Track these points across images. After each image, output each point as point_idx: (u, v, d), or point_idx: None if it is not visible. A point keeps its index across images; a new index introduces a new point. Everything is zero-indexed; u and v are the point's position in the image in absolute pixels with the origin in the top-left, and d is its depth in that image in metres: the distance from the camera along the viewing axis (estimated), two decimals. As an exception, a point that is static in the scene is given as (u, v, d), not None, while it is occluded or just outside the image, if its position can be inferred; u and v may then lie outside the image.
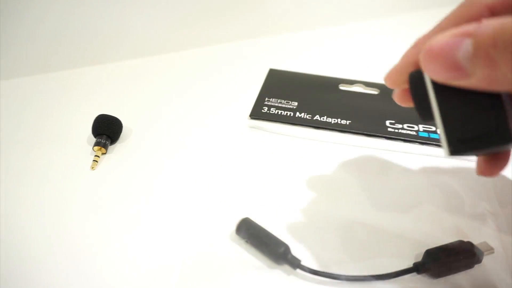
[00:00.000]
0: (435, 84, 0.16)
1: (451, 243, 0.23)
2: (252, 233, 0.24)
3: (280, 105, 0.36)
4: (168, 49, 0.42)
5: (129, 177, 0.30)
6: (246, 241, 0.25)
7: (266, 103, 0.36)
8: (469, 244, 0.23)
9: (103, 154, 0.32)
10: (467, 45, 0.14)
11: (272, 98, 0.36)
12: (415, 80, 0.18)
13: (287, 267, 0.23)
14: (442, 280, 0.23)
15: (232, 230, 0.25)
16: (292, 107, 0.35)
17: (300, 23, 0.48)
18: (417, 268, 0.23)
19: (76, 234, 0.26)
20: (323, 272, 0.23)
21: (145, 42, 0.41)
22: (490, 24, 0.13)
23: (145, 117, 0.36)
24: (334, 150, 0.32)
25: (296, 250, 0.24)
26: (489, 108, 0.14)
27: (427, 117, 0.17)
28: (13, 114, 0.36)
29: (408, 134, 0.32)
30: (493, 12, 0.16)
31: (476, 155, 0.19)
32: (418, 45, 0.19)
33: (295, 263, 0.23)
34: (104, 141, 0.31)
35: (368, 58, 0.44)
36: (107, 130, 0.32)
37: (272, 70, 0.41)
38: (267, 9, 0.45)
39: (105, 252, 0.25)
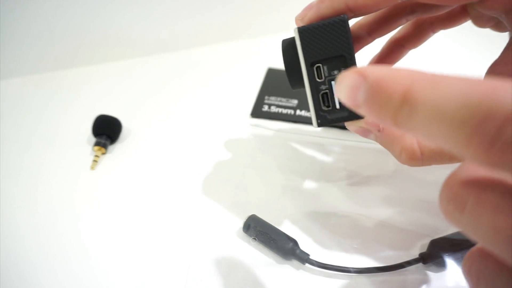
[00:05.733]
0: (307, 61, 0.19)
1: (454, 233, 0.24)
2: (259, 230, 0.24)
3: (280, 103, 0.36)
4: (168, 48, 0.41)
5: (129, 177, 0.29)
6: (254, 238, 0.25)
7: (266, 101, 0.36)
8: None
9: (103, 154, 0.31)
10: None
11: (272, 96, 0.37)
12: (289, 48, 0.20)
13: (296, 262, 0.24)
14: (447, 269, 0.23)
15: (239, 228, 0.25)
16: (292, 105, 0.36)
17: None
18: (423, 258, 0.23)
19: (76, 234, 0.25)
20: (332, 265, 0.23)
21: (144, 42, 0.41)
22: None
23: (145, 117, 0.35)
24: (336, 146, 0.32)
25: (304, 245, 0.24)
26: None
27: (296, 87, 0.20)
28: (13, 114, 0.35)
29: (407, 130, 0.33)
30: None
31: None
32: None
33: (303, 258, 0.23)
34: (104, 141, 0.31)
35: (364, 56, 0.45)
36: (107, 130, 0.32)
37: (270, 69, 0.41)
38: (264, 9, 0.46)
39: (107, 252, 0.24)
